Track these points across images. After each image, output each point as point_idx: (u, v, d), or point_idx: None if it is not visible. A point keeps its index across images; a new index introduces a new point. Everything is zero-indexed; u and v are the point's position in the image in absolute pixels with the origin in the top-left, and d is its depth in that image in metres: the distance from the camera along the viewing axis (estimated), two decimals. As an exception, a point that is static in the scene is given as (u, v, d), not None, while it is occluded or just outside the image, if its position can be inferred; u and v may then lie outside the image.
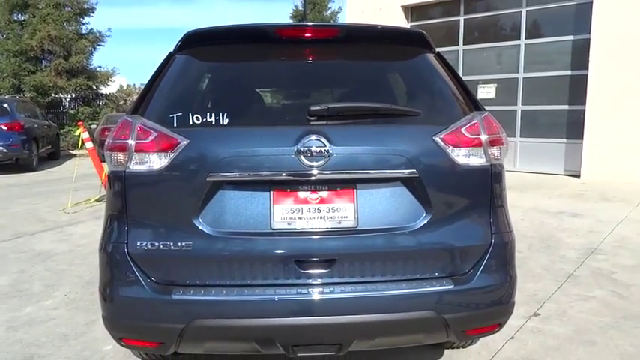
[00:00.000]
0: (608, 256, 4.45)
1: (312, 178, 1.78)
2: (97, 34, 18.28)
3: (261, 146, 1.78)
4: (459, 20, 10.52)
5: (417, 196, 1.84)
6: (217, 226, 1.79)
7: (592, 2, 8.61)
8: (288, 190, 1.82)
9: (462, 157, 1.87)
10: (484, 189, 1.91)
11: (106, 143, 1.88)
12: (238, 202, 1.81)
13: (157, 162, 1.80)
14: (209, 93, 2.02)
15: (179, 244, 1.78)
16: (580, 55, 8.96)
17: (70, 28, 17.44)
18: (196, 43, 2.05)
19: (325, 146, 1.76)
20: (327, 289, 1.76)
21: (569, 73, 9.26)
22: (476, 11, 10.37)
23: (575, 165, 9.00)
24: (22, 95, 16.34)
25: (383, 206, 1.84)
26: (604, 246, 4.78)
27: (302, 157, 1.76)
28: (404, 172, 1.81)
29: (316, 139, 1.76)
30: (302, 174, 1.77)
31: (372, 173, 1.81)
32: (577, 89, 9.00)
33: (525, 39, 9.70)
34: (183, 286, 1.78)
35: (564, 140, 9.34)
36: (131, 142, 1.81)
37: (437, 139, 1.85)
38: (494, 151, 1.92)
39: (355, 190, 1.83)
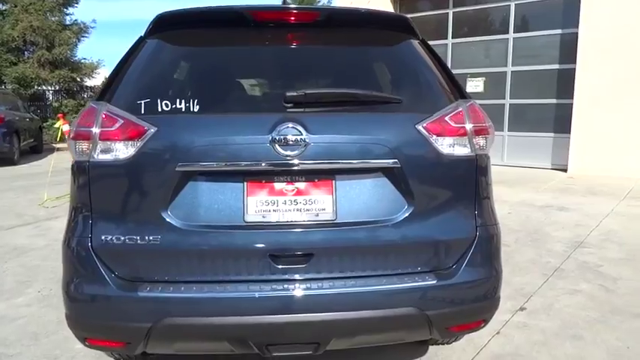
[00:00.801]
0: (594, 250, 4.42)
1: (288, 168, 1.68)
2: (82, 25, 17.86)
3: (234, 134, 1.68)
4: (447, 13, 10.45)
5: (398, 188, 1.76)
6: (187, 219, 1.69)
7: (580, -4, 8.58)
8: (263, 181, 1.72)
9: (446, 146, 1.79)
10: (469, 180, 1.83)
11: (69, 131, 1.76)
12: (210, 193, 1.71)
13: (122, 151, 1.69)
14: (180, 79, 1.90)
15: (146, 238, 1.68)
16: (568, 49, 8.94)
17: (53, 18, 17.02)
18: (168, 26, 1.93)
19: (301, 134, 1.66)
20: (303, 286, 1.67)
21: (557, 67, 9.24)
22: (465, 4, 10.30)
23: (563, 159, 9.01)
24: (4, 87, 15.95)
25: (363, 198, 1.75)
26: (591, 239, 4.76)
27: (277, 145, 1.66)
28: (385, 162, 1.72)
29: (292, 127, 1.67)
30: (277, 164, 1.67)
31: (352, 163, 1.72)
32: (565, 83, 8.99)
33: (514, 32, 9.67)
34: (151, 283, 1.68)
35: (552, 134, 9.34)
36: (95, 129, 1.70)
37: (420, 127, 1.76)
38: (480, 141, 1.84)
39: (334, 181, 1.74)
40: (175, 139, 1.68)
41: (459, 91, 1.93)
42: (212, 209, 1.70)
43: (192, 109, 1.73)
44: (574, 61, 8.69)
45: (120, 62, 1.92)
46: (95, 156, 1.70)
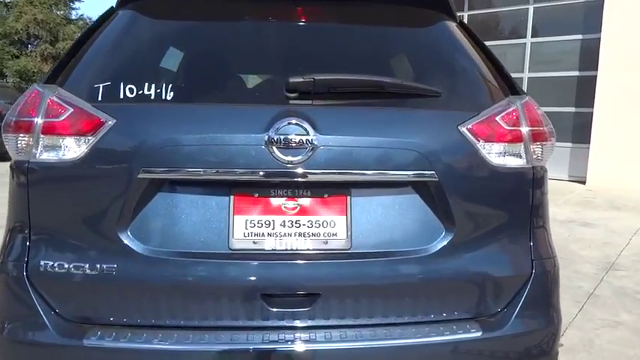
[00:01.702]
0: (629, 272, 3.98)
1: (289, 178, 1.27)
2: (87, 20, 17.66)
3: (219, 131, 1.26)
4: (462, 16, 10.01)
5: (433, 208, 1.33)
6: (153, 243, 1.28)
7: (603, 0, 8.16)
8: (255, 195, 1.30)
9: (496, 155, 1.36)
10: (523, 200, 1.41)
11: (5, 121, 1.34)
12: (184, 210, 1.29)
13: (71, 149, 1.28)
14: (154, 59, 1.48)
15: (98, 266, 1.26)
16: (589, 56, 8.51)
17: (58, 12, 16.79)
18: None
19: (308, 134, 1.24)
20: (305, 336, 1.25)
21: (576, 74, 8.81)
22: (481, 7, 9.88)
23: (581, 170, 8.55)
24: (5, 81, 15.67)
25: (386, 221, 1.33)
26: (622, 260, 4.32)
27: (275, 148, 1.24)
28: (418, 174, 1.30)
29: (296, 124, 1.25)
30: (274, 172, 1.26)
31: (373, 174, 1.30)
32: (585, 91, 8.56)
33: (531, 37, 9.24)
34: (103, 327, 1.26)
35: (570, 144, 8.89)
36: (38, 119, 1.28)
37: (463, 129, 1.34)
38: (537, 149, 1.41)
39: (349, 198, 1.32)
40: (140, 136, 1.27)
41: (508, 85, 1.50)
42: (186, 231, 1.28)
43: (164, 97, 1.31)
44: (595, 68, 8.25)
45: (81, 37, 1.51)
46: (36, 155, 1.29)
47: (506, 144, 1.38)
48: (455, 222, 1.33)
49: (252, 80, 1.48)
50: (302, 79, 1.26)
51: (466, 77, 1.50)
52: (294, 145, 1.24)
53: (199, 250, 1.28)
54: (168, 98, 1.31)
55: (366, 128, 1.30)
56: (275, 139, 1.24)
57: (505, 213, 1.40)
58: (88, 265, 1.26)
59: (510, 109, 1.40)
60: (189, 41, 1.49)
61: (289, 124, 1.25)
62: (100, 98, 1.31)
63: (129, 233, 1.28)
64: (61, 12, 16.94)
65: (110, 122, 1.27)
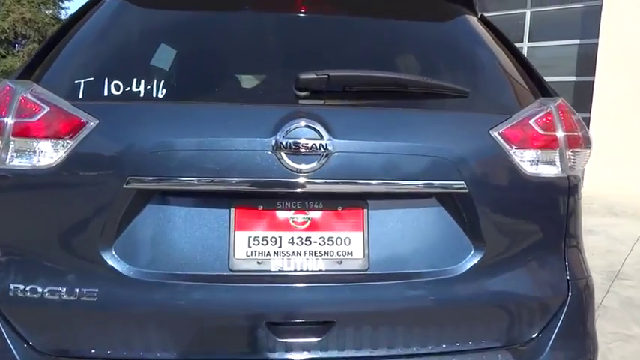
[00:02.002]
0: (634, 282, 3.88)
1: (299, 189, 1.10)
2: (77, 20, 17.29)
3: (218, 134, 1.10)
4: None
5: (461, 223, 1.18)
6: (141, 264, 1.11)
7: (601, 5, 8.12)
8: (260, 208, 1.14)
9: (529, 163, 1.21)
10: (558, 213, 1.26)
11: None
12: (177, 224, 1.13)
13: (47, 154, 1.11)
14: (145, 51, 1.31)
15: (77, 290, 1.09)
16: (586, 61, 8.47)
17: (47, 11, 16.47)
18: None
19: (322, 138, 1.09)
20: None
21: (573, 79, 8.77)
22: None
23: (578, 176, 8.48)
24: (-9, 81, 15.31)
25: (408, 237, 1.17)
26: (627, 269, 4.22)
27: (283, 154, 1.08)
28: (446, 185, 1.14)
29: (307, 127, 1.09)
30: (283, 182, 1.10)
31: (395, 185, 1.14)
32: (582, 96, 8.50)
33: (528, 42, 9.18)
34: None
35: (566, 149, 8.82)
36: (8, 119, 1.11)
37: (495, 134, 1.19)
38: (572, 156, 1.27)
39: (366, 211, 1.16)
40: (127, 139, 1.10)
41: (538, 85, 1.36)
42: (180, 249, 1.12)
43: (155, 95, 1.14)
44: (592, 74, 8.20)
45: (62, 27, 1.34)
46: (6, 160, 1.11)
47: (540, 151, 1.23)
48: (485, 239, 1.18)
49: (256, 76, 1.30)
50: (314, 75, 1.10)
51: (492, 76, 1.36)
52: (305, 150, 1.08)
53: (195, 271, 1.11)
54: (161, 96, 1.14)
55: (386, 132, 1.14)
56: (284, 143, 1.08)
57: (539, 228, 1.25)
58: (65, 290, 1.09)
59: (544, 112, 1.25)
60: (185, 31, 1.32)
61: (300, 126, 1.09)
62: (81, 96, 1.14)
63: (113, 252, 1.11)
64: (50, 11, 16.63)
65: (92, 123, 1.10)
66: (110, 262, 1.10)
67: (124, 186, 1.08)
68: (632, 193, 7.66)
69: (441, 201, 1.18)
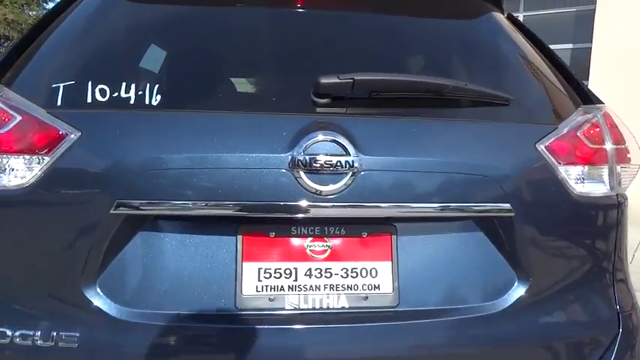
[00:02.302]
0: (637, 294, 3.75)
1: (320, 214, 0.94)
2: (62, 22, 16.92)
3: (224, 149, 0.93)
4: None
5: (504, 250, 1.03)
6: (131, 302, 0.94)
7: (594, 9, 8.10)
8: (272, 235, 0.97)
9: (577, 180, 1.07)
10: (606, 237, 1.12)
11: None
12: (174, 255, 0.96)
13: (19, 172, 0.93)
14: (135, 51, 1.13)
15: (54, 334, 0.92)
16: (579, 65, 8.43)
17: (30, 12, 16.06)
18: None
19: (347, 154, 0.92)
20: None
21: (567, 83, 8.72)
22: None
23: (573, 181, 8.44)
24: (-27, 83, 14.89)
25: (443, 267, 1.02)
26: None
27: (302, 173, 0.92)
28: (489, 207, 0.99)
29: (332, 141, 0.93)
30: (300, 206, 0.93)
31: (430, 208, 0.98)
32: (576, 100, 8.47)
33: (521, 45, 9.13)
34: None
35: (561, 154, 8.79)
36: None
37: (542, 147, 1.03)
38: (621, 172, 1.12)
39: (394, 237, 1.00)
40: (114, 155, 0.92)
41: (578, 91, 1.21)
42: (178, 285, 0.95)
43: (148, 102, 0.97)
44: (586, 78, 8.16)
45: (39, 23, 1.16)
46: None
47: (588, 167, 1.08)
48: (530, 268, 1.02)
49: (267, 81, 1.11)
50: (337, 80, 0.93)
51: (529, 81, 1.21)
52: (328, 168, 0.91)
53: (196, 310, 0.94)
54: (155, 103, 0.97)
55: (420, 146, 0.98)
56: (302, 160, 0.91)
57: (588, 254, 1.10)
58: (40, 334, 0.91)
59: (591, 122, 1.10)
60: (184, 28, 1.14)
61: (321, 140, 0.92)
62: (60, 103, 0.96)
63: (98, 289, 0.93)
64: (34, 12, 16.21)
65: (73, 136, 0.92)
66: (94, 301, 0.92)
67: (111, 210, 0.90)
68: (631, 200, 7.62)
69: (480, 225, 1.02)
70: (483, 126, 1.04)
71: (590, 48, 8.13)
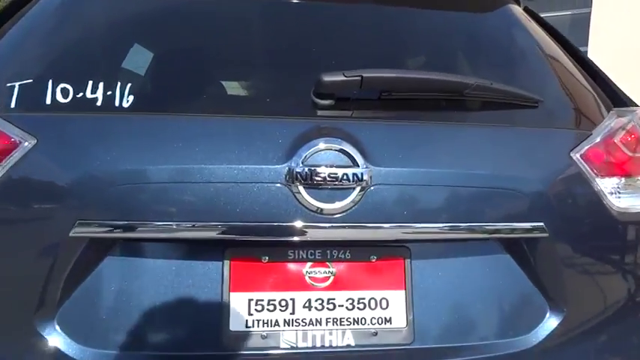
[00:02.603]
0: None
1: (321, 236, 0.80)
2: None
3: (208, 159, 0.78)
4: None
5: (534, 276, 0.89)
6: (96, 342, 0.79)
7: (590, 13, 8.06)
8: (265, 260, 0.83)
9: (615, 194, 0.93)
10: None
11: None
12: (148, 284, 0.81)
13: None
14: (106, 44, 0.97)
15: None
16: (575, 68, 8.39)
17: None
18: None
19: (355, 165, 0.78)
20: None
21: (563, 86, 8.68)
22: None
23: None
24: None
25: (465, 297, 0.88)
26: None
27: (301, 188, 0.77)
28: (520, 227, 0.85)
29: (334, 148, 0.79)
30: (299, 227, 0.79)
31: (449, 228, 0.84)
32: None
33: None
34: None
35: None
36: None
37: (577, 156, 0.90)
38: None
39: (408, 262, 0.86)
40: (76, 166, 0.77)
41: (607, 92, 1.08)
42: (153, 320, 0.80)
43: (118, 104, 0.82)
44: (582, 81, 8.13)
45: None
46: None
47: (626, 178, 0.94)
48: (566, 297, 0.89)
49: (259, 79, 0.95)
50: (342, 77, 0.79)
51: (555, 80, 1.07)
52: (332, 182, 0.77)
53: (175, 351, 0.79)
54: (126, 105, 0.82)
55: (438, 155, 0.84)
56: (301, 173, 0.77)
57: (628, 280, 0.96)
58: None
59: (628, 127, 0.97)
60: (159, 18, 0.98)
61: (325, 149, 0.78)
62: (13, 105, 0.82)
63: (56, 325, 0.78)
64: None
65: (28, 143, 0.77)
66: (51, 340, 0.77)
67: (72, 232, 0.75)
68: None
69: (508, 247, 0.88)
70: (511, 131, 0.90)
71: (586, 52, 8.09)
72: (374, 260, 0.85)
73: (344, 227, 0.79)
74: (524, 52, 1.11)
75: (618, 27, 7.70)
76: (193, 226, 0.77)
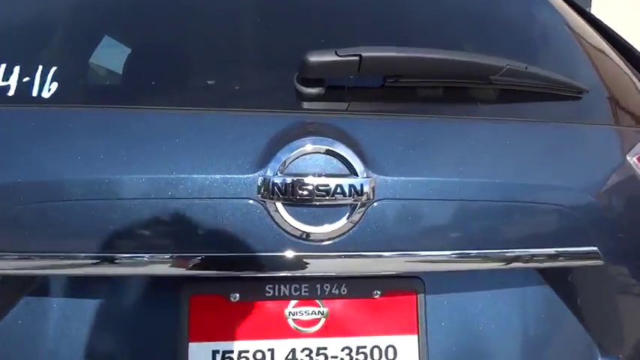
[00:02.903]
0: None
1: (309, 269, 0.60)
2: None
3: (155, 168, 0.58)
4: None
5: (581, 313, 0.70)
6: None
7: (589, 10, 7.94)
8: (235, 299, 0.63)
9: None
10: None
11: None
12: (78, 332, 0.60)
13: None
14: (28, 25, 0.76)
15: None
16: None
17: None
18: None
19: (353, 174, 0.59)
20: None
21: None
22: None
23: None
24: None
25: (494, 342, 0.68)
26: None
27: (279, 205, 0.58)
28: (563, 253, 0.66)
29: (323, 151, 0.59)
30: (277, 259, 0.59)
31: (476, 256, 0.64)
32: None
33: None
34: None
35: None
36: None
37: (634, 160, 0.71)
38: None
39: (421, 298, 0.66)
40: None
41: None
42: None
43: (32, 94, 0.62)
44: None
45: None
46: None
47: None
48: (622, 341, 0.69)
49: (224, 59, 0.68)
50: (335, 57, 0.59)
51: (596, 68, 0.88)
52: (322, 197, 0.57)
53: None
54: (46, 96, 0.62)
55: (462, 160, 0.65)
56: (279, 185, 0.57)
57: None
58: None
59: None
60: None
61: (311, 151, 0.58)
62: None
63: None
64: None
65: None
66: None
67: None
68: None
69: (548, 278, 0.69)
70: (553, 129, 0.71)
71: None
72: (377, 296, 0.65)
73: (338, 257, 0.59)
74: (559, 33, 0.91)
75: (617, 27, 7.58)
76: (134, 258, 0.58)
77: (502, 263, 0.64)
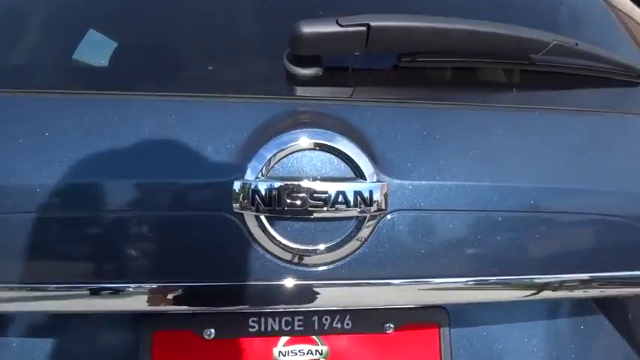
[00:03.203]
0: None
1: (304, 301, 0.46)
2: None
3: (99, 169, 0.44)
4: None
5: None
6: None
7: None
8: (209, 336, 0.49)
9: None
10: None
11: None
12: None
13: None
14: None
15: None
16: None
17: None
18: None
19: (359, 177, 0.45)
20: None
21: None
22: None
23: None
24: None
25: None
26: None
27: (263, 218, 0.43)
28: (622, 278, 0.52)
29: (319, 147, 0.45)
30: (260, 289, 0.45)
31: (513, 283, 0.50)
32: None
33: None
34: None
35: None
36: None
37: None
38: None
39: (445, 332, 0.53)
40: None
41: None
42: None
43: None
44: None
45: None
46: None
47: None
48: None
49: (193, 34, 0.55)
50: (336, 27, 0.46)
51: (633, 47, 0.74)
52: (319, 208, 0.44)
53: None
54: None
55: (497, 161, 0.51)
56: (261, 193, 0.43)
57: None
58: None
59: None
60: None
61: (305, 148, 0.45)
62: None
63: None
64: None
65: None
66: None
67: None
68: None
69: (603, 305, 0.55)
70: (607, 121, 0.57)
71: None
72: (390, 331, 0.52)
73: (340, 286, 0.46)
74: (592, 12, 0.77)
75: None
76: (80, 289, 0.44)
77: (550, 291, 0.51)
